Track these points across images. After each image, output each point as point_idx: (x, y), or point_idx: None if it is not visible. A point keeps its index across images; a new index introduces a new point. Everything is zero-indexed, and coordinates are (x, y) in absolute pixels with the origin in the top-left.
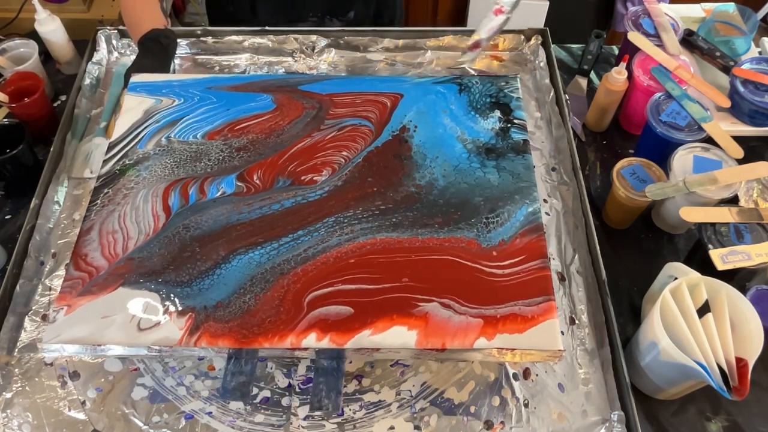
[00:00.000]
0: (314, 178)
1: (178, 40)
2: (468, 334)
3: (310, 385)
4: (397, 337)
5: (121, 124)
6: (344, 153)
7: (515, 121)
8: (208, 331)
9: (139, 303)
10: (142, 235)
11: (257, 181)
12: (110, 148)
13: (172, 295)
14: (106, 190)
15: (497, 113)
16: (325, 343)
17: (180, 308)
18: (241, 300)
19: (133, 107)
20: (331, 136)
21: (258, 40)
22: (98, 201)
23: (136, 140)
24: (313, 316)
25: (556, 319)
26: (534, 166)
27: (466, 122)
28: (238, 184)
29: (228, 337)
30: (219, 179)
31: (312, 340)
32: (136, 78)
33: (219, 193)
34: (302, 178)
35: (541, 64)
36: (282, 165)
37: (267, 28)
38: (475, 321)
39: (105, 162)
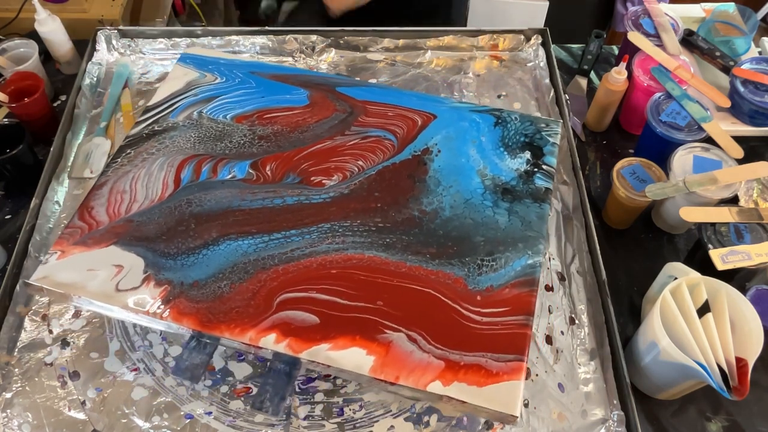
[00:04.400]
0: (323, 181)
1: (178, 40)
2: (425, 374)
3: (311, 384)
4: (354, 358)
5: (162, 91)
6: (360, 162)
7: (543, 166)
8: (177, 307)
9: (124, 264)
10: (147, 201)
11: (268, 172)
12: (146, 110)
13: (155, 264)
14: (128, 151)
15: (527, 155)
16: (281, 347)
17: (159, 279)
18: (216, 284)
19: (178, 77)
20: (352, 143)
21: (258, 40)
22: (119, 159)
23: (171, 109)
24: (278, 317)
25: (521, 382)
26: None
27: (492, 157)
28: (250, 171)
29: (193, 318)
30: (233, 163)
31: (270, 341)
32: (190, 50)
33: (229, 176)
34: (312, 178)
35: (541, 64)
36: (296, 161)
37: (267, 28)
38: (436, 362)
39: (138, 123)
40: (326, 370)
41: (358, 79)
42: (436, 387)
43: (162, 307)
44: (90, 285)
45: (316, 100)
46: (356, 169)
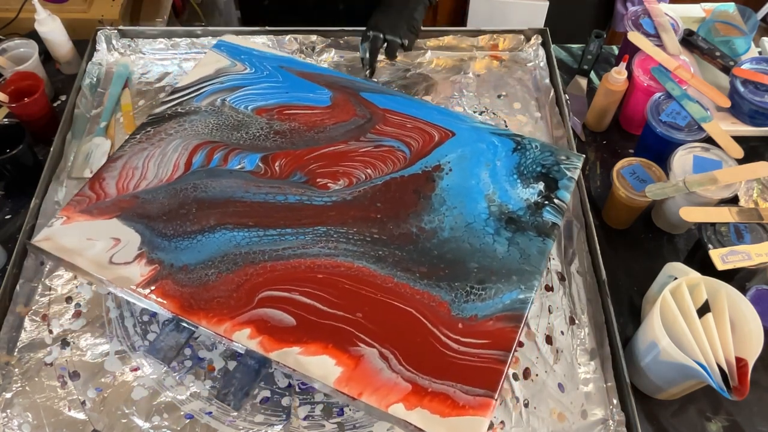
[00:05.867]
0: (328, 184)
1: (178, 40)
2: (389, 395)
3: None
4: (322, 367)
5: (193, 75)
6: (369, 170)
7: (555, 200)
8: (162, 288)
9: (121, 238)
10: (156, 180)
11: (276, 168)
12: (174, 92)
13: (151, 242)
14: (148, 129)
15: (540, 186)
16: (254, 344)
17: (151, 257)
18: (204, 272)
19: (210, 63)
20: (364, 149)
21: (258, 39)
22: (138, 136)
23: (197, 93)
24: (256, 313)
25: (486, 420)
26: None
27: (503, 183)
28: (259, 164)
29: (175, 301)
30: (245, 154)
31: (243, 336)
32: (226, 38)
33: (238, 166)
34: (318, 180)
35: (541, 64)
36: (306, 161)
37: (267, 28)
38: (403, 384)
39: (163, 103)
40: (293, 373)
41: (384, 86)
42: (398, 410)
43: (148, 285)
44: (86, 253)
45: (338, 102)
46: (364, 176)
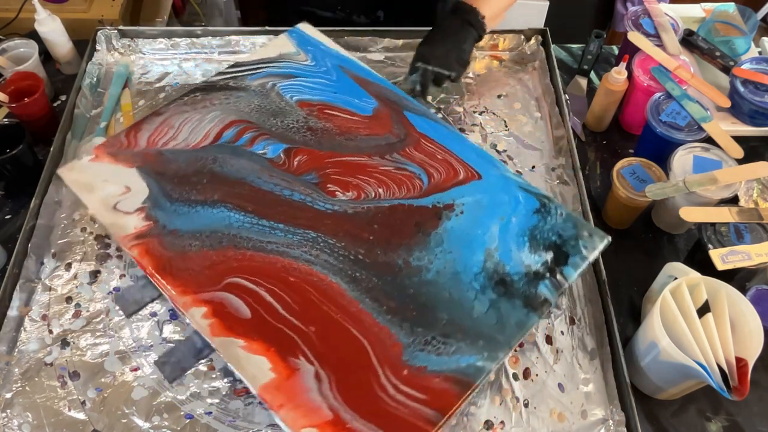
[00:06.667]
0: (336, 192)
1: (178, 40)
2: (307, 416)
3: None
4: (255, 367)
5: (258, 53)
6: (380, 190)
7: (558, 276)
8: (147, 245)
9: (132, 188)
10: (183, 143)
11: (294, 162)
12: (235, 65)
13: (155, 200)
14: (198, 94)
15: (548, 256)
16: (203, 324)
17: (149, 213)
18: (189, 242)
19: (278, 46)
20: (384, 168)
21: (258, 39)
22: (186, 98)
23: (253, 72)
24: (218, 295)
25: None
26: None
27: (509, 242)
28: (281, 154)
29: (153, 260)
30: (271, 141)
31: (198, 313)
32: (302, 27)
33: (261, 151)
34: (328, 186)
35: (541, 64)
36: (324, 164)
37: (267, 28)
38: (326, 412)
39: (220, 73)
40: (227, 364)
41: (433, 112)
42: None
43: (136, 239)
44: (96, 193)
45: (380, 115)
46: (373, 194)
